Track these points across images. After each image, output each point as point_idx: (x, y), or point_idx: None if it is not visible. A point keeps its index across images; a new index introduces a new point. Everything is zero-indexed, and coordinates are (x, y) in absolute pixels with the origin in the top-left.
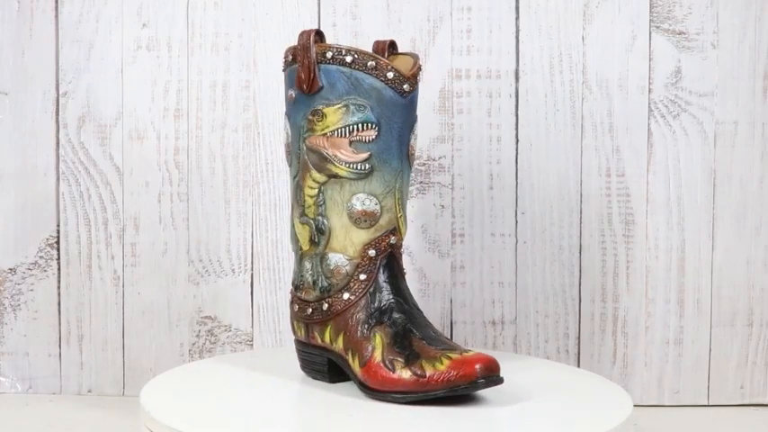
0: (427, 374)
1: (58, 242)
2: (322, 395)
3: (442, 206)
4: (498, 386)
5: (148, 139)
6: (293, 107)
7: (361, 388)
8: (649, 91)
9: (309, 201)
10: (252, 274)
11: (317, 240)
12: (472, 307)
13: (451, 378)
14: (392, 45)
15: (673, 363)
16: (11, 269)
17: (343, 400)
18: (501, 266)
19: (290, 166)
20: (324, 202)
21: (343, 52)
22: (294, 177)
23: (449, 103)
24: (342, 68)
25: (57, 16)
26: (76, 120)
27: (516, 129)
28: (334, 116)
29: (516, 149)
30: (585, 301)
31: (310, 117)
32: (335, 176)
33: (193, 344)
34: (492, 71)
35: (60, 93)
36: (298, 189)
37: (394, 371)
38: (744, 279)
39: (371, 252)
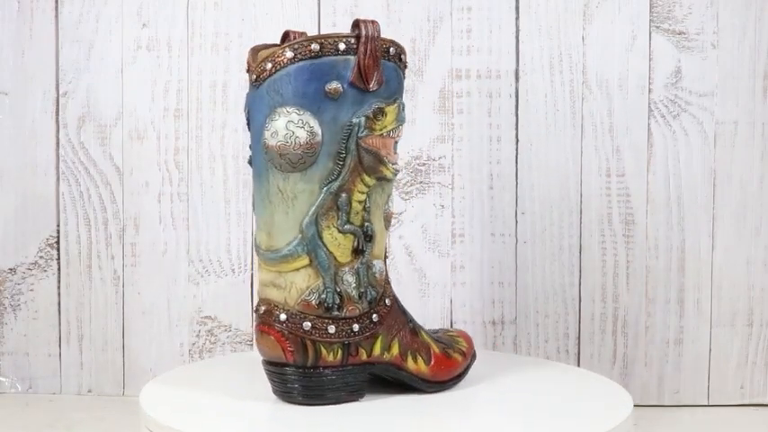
0: (465, 351)
1: (58, 242)
2: None
3: (442, 206)
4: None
5: (148, 139)
6: (335, 103)
7: (425, 386)
8: (649, 91)
9: (358, 207)
10: (252, 274)
11: (363, 249)
12: (472, 307)
13: (472, 350)
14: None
15: (673, 363)
16: (11, 269)
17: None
18: (501, 266)
19: (310, 166)
20: (369, 207)
21: (399, 49)
22: (328, 183)
23: (449, 103)
24: (397, 66)
25: (57, 16)
26: (76, 120)
27: (516, 129)
28: (391, 115)
29: (516, 149)
30: (585, 301)
31: (371, 116)
32: (383, 179)
33: (193, 344)
34: (492, 71)
35: (60, 93)
36: (338, 195)
37: (451, 357)
38: (744, 279)
39: (386, 253)
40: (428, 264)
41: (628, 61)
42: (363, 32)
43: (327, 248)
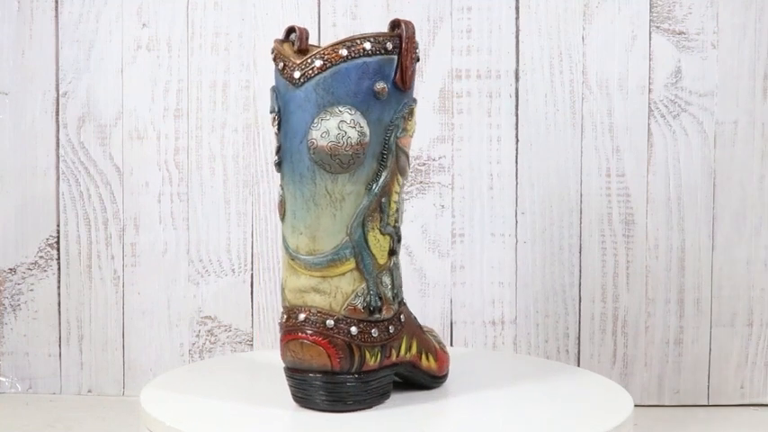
0: (444, 344)
1: (58, 242)
2: None
3: (442, 206)
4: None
5: (148, 139)
6: (381, 103)
7: (432, 382)
8: (649, 91)
9: (394, 207)
10: (252, 274)
11: (395, 250)
12: (472, 307)
13: None
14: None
15: (673, 363)
16: (11, 269)
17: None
18: (501, 266)
19: (358, 167)
20: (399, 208)
21: (418, 50)
22: (373, 184)
23: (449, 103)
24: (416, 66)
25: (57, 16)
26: (76, 120)
27: (516, 129)
28: (415, 116)
29: (516, 149)
30: (585, 301)
31: (405, 116)
32: (406, 179)
33: (193, 344)
34: (492, 71)
35: (60, 93)
36: (381, 196)
37: (445, 352)
38: (744, 279)
39: None
40: (428, 264)
41: (628, 61)
42: (405, 32)
43: (371, 251)
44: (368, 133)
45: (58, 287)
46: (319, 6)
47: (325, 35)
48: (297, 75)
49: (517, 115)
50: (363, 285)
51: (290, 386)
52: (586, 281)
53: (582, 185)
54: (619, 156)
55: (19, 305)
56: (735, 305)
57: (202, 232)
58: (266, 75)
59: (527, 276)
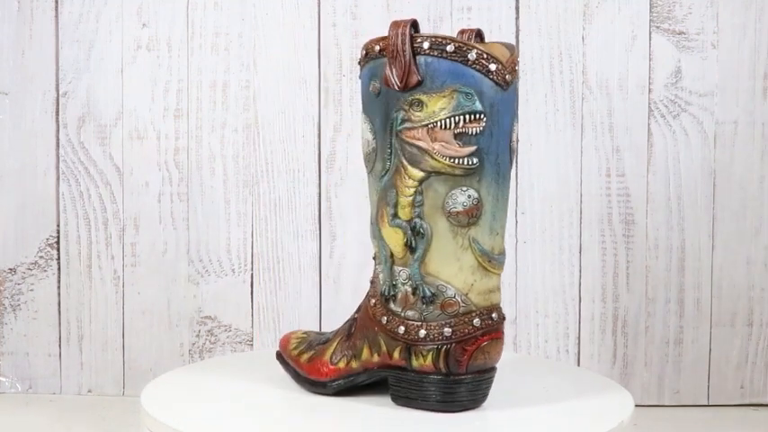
0: None
1: (58, 242)
2: (321, 395)
3: None
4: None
5: (148, 139)
6: None
7: None
8: (649, 91)
9: None
10: (252, 274)
11: None
12: None
13: None
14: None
15: (673, 363)
16: (11, 269)
17: (343, 399)
18: None
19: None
20: None
21: None
22: None
23: None
24: None
25: (57, 16)
26: (76, 120)
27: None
28: None
29: (516, 149)
30: (585, 301)
31: None
32: None
33: (193, 344)
34: None
35: (60, 93)
36: None
37: None
38: (744, 279)
39: None
40: None
41: (628, 61)
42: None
43: None
44: None
45: (58, 287)
46: (319, 6)
47: (325, 35)
48: (509, 78)
49: (517, 115)
50: None
51: (462, 392)
52: (586, 281)
53: (582, 185)
54: (619, 156)
55: (19, 305)
56: (735, 305)
57: (202, 232)
58: (266, 75)
59: (527, 276)
